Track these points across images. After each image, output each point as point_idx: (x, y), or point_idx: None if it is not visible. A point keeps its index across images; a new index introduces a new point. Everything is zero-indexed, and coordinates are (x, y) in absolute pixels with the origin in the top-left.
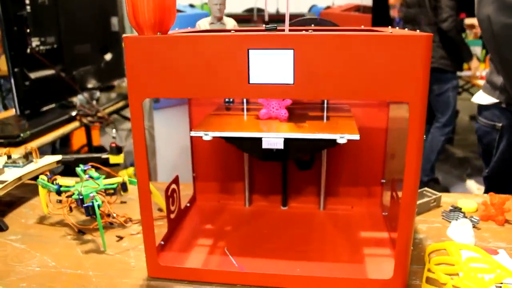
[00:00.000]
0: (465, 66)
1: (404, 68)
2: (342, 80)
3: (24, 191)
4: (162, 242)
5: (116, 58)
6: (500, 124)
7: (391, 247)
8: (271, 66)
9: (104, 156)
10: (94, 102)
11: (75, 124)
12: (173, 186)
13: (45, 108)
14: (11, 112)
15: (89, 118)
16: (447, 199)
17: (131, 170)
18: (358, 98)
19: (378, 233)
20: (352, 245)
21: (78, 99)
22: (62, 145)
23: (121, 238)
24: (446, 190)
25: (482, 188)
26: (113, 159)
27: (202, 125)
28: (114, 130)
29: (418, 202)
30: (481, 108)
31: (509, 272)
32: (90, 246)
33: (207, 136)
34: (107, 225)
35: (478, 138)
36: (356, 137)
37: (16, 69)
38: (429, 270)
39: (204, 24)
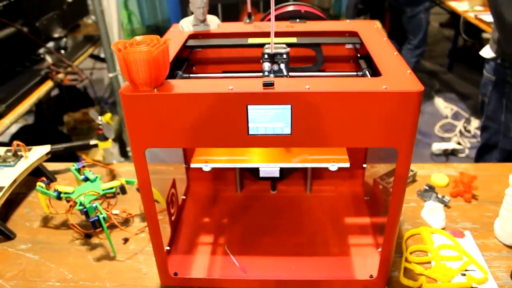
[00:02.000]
0: None
1: (395, 120)
2: (338, 130)
3: (19, 186)
4: (168, 248)
5: None
6: (494, 77)
7: (373, 236)
8: (270, 119)
9: (92, 142)
10: (63, 52)
11: (49, 84)
12: (172, 190)
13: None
14: None
15: (61, 75)
16: (422, 171)
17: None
18: (351, 145)
19: (361, 219)
20: (339, 236)
21: (47, 55)
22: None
23: (127, 239)
24: None
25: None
26: (102, 144)
27: (200, 153)
28: (99, 117)
29: None
30: (485, 61)
31: (472, 259)
32: (100, 252)
33: (207, 167)
34: (110, 225)
35: (480, 88)
36: (346, 165)
37: None
38: (406, 260)
39: (187, 25)
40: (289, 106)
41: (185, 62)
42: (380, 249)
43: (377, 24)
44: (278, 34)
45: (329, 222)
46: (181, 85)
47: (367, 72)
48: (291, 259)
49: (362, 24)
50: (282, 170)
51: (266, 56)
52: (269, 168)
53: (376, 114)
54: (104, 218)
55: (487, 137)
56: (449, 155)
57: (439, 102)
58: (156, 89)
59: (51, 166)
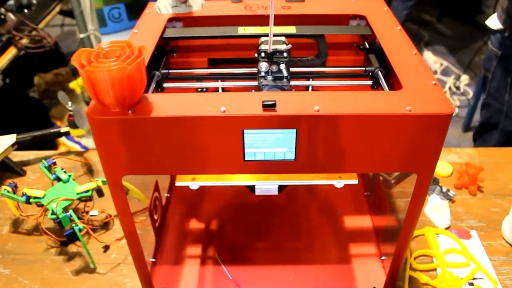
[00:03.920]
0: None
1: (418, 144)
2: (350, 155)
3: None
4: (153, 259)
5: None
6: (500, 52)
7: (375, 241)
8: (270, 144)
9: (63, 130)
10: (26, 11)
11: (12, 51)
12: (155, 194)
13: None
14: None
15: (25, 41)
16: None
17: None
18: (365, 171)
19: (362, 218)
20: (339, 239)
21: (8, 14)
22: None
23: (107, 247)
24: None
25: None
26: (74, 132)
27: None
28: (70, 103)
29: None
30: (490, 32)
31: (479, 266)
32: (78, 262)
33: (195, 185)
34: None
35: (483, 62)
36: (355, 181)
37: None
38: (411, 268)
39: (165, 5)
40: (294, 131)
41: (164, 56)
42: (383, 257)
43: (386, 6)
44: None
45: (328, 222)
46: (162, 104)
47: (379, 72)
48: (288, 269)
49: (370, 5)
50: (281, 185)
51: (263, 54)
52: (266, 186)
53: (396, 137)
54: (80, 229)
55: (488, 116)
56: None
57: (428, 56)
58: (131, 110)
59: (18, 156)
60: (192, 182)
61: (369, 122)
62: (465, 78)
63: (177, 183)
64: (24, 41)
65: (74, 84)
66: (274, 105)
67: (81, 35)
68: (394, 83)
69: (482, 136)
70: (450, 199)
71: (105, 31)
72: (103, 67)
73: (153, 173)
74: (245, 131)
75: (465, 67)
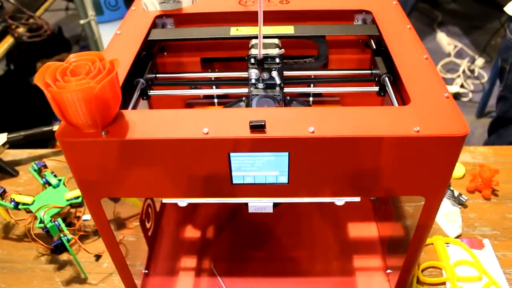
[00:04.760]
0: None
1: (427, 167)
2: (349, 179)
3: None
4: (146, 271)
5: None
6: None
7: (381, 252)
8: (260, 167)
9: (55, 128)
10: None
11: (9, 41)
12: (148, 201)
13: None
14: None
15: (22, 30)
16: None
17: None
18: (367, 195)
19: (366, 225)
20: (341, 248)
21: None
22: None
23: (99, 256)
24: None
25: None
26: None
27: None
28: None
29: None
30: (510, 20)
31: (492, 280)
32: (69, 272)
33: (183, 202)
34: (80, 236)
35: (499, 52)
36: (357, 199)
37: None
38: (418, 281)
39: (151, 2)
40: (286, 154)
41: (150, 59)
42: (388, 270)
43: (396, 0)
44: (269, 17)
45: (330, 230)
46: (139, 123)
47: (386, 79)
48: (287, 281)
49: (378, 0)
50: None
51: (252, 60)
52: (260, 203)
53: (402, 161)
54: (68, 240)
55: (504, 110)
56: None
57: (442, 38)
58: (104, 131)
59: (10, 155)
60: (180, 200)
61: (371, 144)
62: (480, 61)
63: (164, 200)
64: (21, 29)
65: None
66: (263, 126)
67: (81, 21)
68: (402, 91)
69: (497, 131)
70: (462, 204)
71: (101, 20)
72: (69, 87)
73: (134, 196)
74: (231, 154)
75: (480, 50)
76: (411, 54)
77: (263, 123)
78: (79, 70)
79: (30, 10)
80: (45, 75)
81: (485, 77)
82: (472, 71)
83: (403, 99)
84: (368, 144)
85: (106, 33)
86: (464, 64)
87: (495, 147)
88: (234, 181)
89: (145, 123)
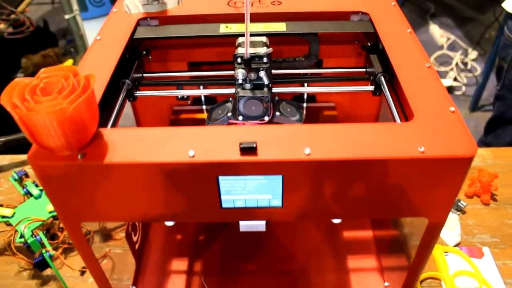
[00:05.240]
0: None
1: (431, 189)
2: (347, 202)
3: None
4: (133, 287)
5: None
6: None
7: (379, 268)
8: (251, 191)
9: None
10: None
11: None
12: None
13: None
14: None
15: (3, 26)
16: None
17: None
18: (367, 217)
19: (363, 233)
20: (338, 261)
21: None
22: None
23: (84, 271)
24: None
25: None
26: None
27: None
28: None
29: None
30: (508, 17)
31: None
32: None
33: (170, 222)
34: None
35: (497, 50)
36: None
37: None
38: None
39: (134, 3)
40: (279, 177)
41: (137, 59)
42: (386, 283)
43: (394, 1)
44: (260, 16)
45: (326, 242)
46: (119, 144)
47: (382, 78)
48: None
49: (376, 1)
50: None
51: (239, 60)
52: (252, 223)
53: (405, 183)
54: (51, 256)
55: (502, 110)
56: None
57: (435, 30)
58: (81, 154)
59: None
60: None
61: (372, 167)
62: (472, 53)
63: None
64: (2, 26)
65: None
66: (254, 149)
67: (66, 16)
68: (403, 102)
69: (494, 130)
70: (461, 211)
71: (86, 16)
72: (39, 109)
73: (116, 220)
74: (220, 177)
75: (473, 42)
76: (413, 61)
77: (255, 145)
78: (50, 88)
79: (12, 5)
80: (12, 95)
81: (478, 70)
82: (465, 64)
83: (405, 112)
84: (369, 167)
85: (91, 30)
86: (457, 57)
87: (494, 148)
88: (224, 205)
89: (126, 144)
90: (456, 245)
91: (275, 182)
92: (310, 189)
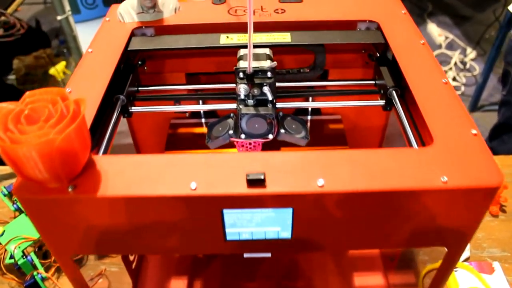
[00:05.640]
0: None
1: (453, 219)
2: (361, 234)
3: None
4: None
5: None
6: None
7: (385, 280)
8: (259, 223)
9: None
10: None
11: None
12: None
13: None
14: None
15: None
16: None
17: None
18: (382, 248)
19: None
20: (343, 280)
21: None
22: None
23: None
24: None
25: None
26: None
27: None
28: None
29: None
30: None
31: None
32: None
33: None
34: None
35: (504, 54)
36: None
37: None
38: None
39: (128, 11)
40: (290, 210)
41: (131, 72)
42: None
43: (403, 8)
44: (263, 26)
45: (329, 258)
46: (112, 174)
47: (394, 93)
48: None
49: (385, 8)
50: None
51: (241, 75)
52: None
53: (424, 213)
54: (43, 278)
55: (508, 116)
56: None
57: (432, 29)
58: (71, 186)
59: None
60: None
61: (390, 198)
62: (471, 53)
63: None
64: None
65: (53, 71)
66: (262, 181)
67: (59, 17)
68: (411, 106)
69: (500, 137)
70: None
71: (78, 19)
72: (25, 141)
73: (111, 253)
74: (225, 211)
75: (472, 41)
76: (428, 76)
77: (263, 177)
78: (36, 114)
79: (1, 7)
80: None
81: (477, 69)
82: (464, 63)
83: (420, 135)
84: (387, 198)
85: (83, 33)
86: (455, 56)
87: (501, 156)
88: (228, 238)
89: (121, 173)
90: (465, 260)
91: (285, 215)
92: (323, 221)
